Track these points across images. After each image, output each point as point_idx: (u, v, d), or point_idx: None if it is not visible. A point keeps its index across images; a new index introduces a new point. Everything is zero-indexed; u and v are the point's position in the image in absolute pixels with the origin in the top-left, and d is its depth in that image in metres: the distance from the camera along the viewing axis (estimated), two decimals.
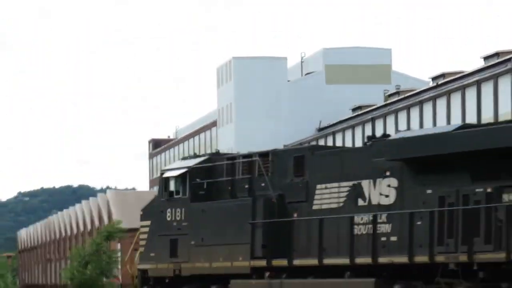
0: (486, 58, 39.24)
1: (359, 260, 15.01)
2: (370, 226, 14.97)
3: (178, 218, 19.09)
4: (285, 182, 17.00)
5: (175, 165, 20.81)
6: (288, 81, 53.49)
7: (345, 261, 15.24)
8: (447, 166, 14.14)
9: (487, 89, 37.09)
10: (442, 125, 30.17)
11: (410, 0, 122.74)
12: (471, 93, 38.13)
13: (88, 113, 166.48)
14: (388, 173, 15.02)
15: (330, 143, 44.59)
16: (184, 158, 20.87)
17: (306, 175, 16.63)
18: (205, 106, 63.13)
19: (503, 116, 33.50)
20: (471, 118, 35.86)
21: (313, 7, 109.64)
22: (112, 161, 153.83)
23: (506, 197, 13.39)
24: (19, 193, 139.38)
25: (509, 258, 12.99)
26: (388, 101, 45.07)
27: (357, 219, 15.30)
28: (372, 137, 16.52)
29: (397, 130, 37.78)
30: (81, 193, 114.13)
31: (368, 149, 15.86)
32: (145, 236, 20.31)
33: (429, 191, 14.27)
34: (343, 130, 46.12)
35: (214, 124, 58.13)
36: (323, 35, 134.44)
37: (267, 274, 16.71)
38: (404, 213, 14.52)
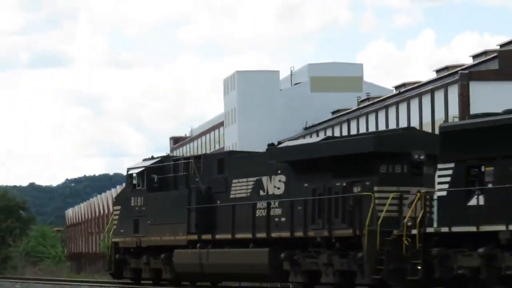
0: (438, 71, 45.46)
1: (259, 235, 20.21)
2: (267, 210, 20.18)
3: (139, 204, 24.82)
4: (212, 177, 22.28)
5: (138, 164, 26.21)
6: (281, 90, 62.69)
7: (249, 235, 20.47)
8: (316, 167, 19.21)
9: (439, 96, 42.09)
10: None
11: (378, 24, 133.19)
12: (426, 99, 43.12)
13: (121, 115, 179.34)
14: (279, 172, 20.15)
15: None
16: (145, 160, 26.23)
17: (226, 172, 21.85)
18: (214, 110, 74.01)
19: (451, 117, 37.32)
20: (426, 119, 41.15)
21: (299, 30, 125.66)
22: (141, 155, 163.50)
23: (355, 189, 18.25)
24: (67, 179, 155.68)
25: (355, 233, 18.07)
26: (360, 106, 51.79)
27: (258, 205, 20.46)
28: (271, 144, 21.70)
29: (366, 130, 43.42)
30: (115, 180, 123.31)
31: (266, 154, 21.13)
32: (116, 217, 26.12)
33: (305, 185, 19.24)
34: (324, 129, 53.21)
35: (221, 124, 67.16)
36: (309, 52, 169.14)
37: (198, 245, 21.89)
38: (289, 201, 19.64)
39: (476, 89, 39.56)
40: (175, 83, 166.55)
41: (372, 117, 47.66)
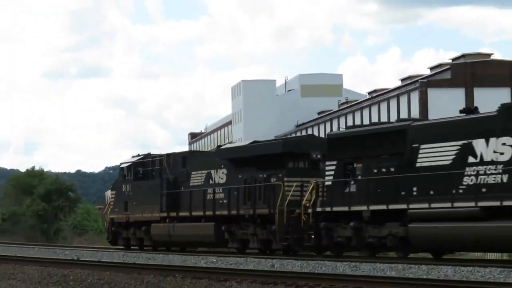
0: (402, 80, 53.52)
1: (208, 213, 26.47)
2: (213, 194, 26.63)
3: (128, 190, 31.47)
4: (177, 171, 28.79)
5: (127, 160, 32.65)
6: (277, 95, 73.14)
7: (201, 213, 26.89)
8: (247, 163, 25.42)
9: (403, 100, 49.23)
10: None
11: (355, 43, 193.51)
12: (393, 103, 50.25)
13: (149, 116, 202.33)
14: (222, 166, 26.54)
15: None
16: (133, 156, 32.47)
17: (187, 166, 28.38)
18: (224, 112, 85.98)
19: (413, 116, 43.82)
20: (393, 119, 47.61)
21: (292, 47, 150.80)
22: (165, 148, 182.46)
23: (272, 179, 24.24)
24: (106, 167, 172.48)
25: (270, 211, 23.63)
26: (340, 108, 60.39)
27: (208, 190, 26.76)
28: (219, 146, 28.50)
29: (338, 128, 50.14)
30: None
31: (215, 153, 28.09)
32: (112, 200, 32.97)
33: (240, 176, 25.48)
34: (312, 127, 61.05)
35: (230, 123, 78.05)
36: (299, 65, 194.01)
37: (167, 220, 28.41)
38: (228, 188, 25.85)
39: (433, 94, 46.55)
40: (193, 89, 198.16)
41: (350, 117, 55.06)
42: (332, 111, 60.18)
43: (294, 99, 70.64)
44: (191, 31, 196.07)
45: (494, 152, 17.79)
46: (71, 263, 22.68)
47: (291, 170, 24.66)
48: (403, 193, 19.92)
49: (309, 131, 58.71)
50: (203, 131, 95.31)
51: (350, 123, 54.22)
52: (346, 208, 21.42)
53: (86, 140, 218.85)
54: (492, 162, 17.90)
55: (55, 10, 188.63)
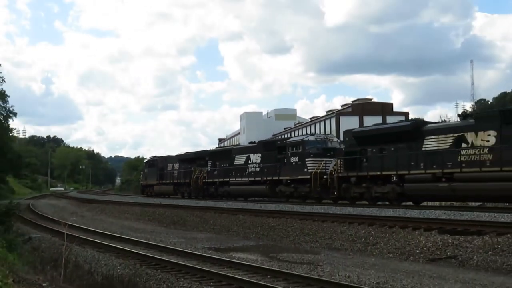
0: (327, 112, 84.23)
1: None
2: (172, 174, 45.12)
3: (146, 171, 60.86)
4: (163, 165, 55.47)
5: (147, 159, 63.40)
6: (263, 119, 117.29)
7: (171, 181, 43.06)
8: (189, 162, 48.75)
9: (328, 122, 75.05)
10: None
11: (302, 93, 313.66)
12: (322, 124, 76.79)
13: (199, 130, 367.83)
14: (177, 163, 52.73)
15: None
16: (150, 157, 62.68)
17: (158, 165, 54.14)
18: (236, 128, 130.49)
19: (332, 132, 67.72)
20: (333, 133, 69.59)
21: (271, 94, 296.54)
22: (206, 146, 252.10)
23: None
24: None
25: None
26: (295, 126, 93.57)
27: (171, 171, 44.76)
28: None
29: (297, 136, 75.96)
30: None
31: (174, 156, 54.00)
32: (142, 174, 61.97)
33: (189, 166, 45.34)
34: (281, 135, 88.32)
35: (239, 133, 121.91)
36: (274, 103, 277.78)
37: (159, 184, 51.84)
38: (182, 171, 47.57)
39: (342, 119, 71.06)
40: (220, 116, 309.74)
41: (300, 131, 77.59)
42: (291, 128, 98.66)
43: (272, 121, 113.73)
44: (219, 87, 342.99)
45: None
46: (156, 204, 38.86)
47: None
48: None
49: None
50: (225, 138, 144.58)
51: (300, 133, 76.86)
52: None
53: (165, 142, 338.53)
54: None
55: (152, 74, 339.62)
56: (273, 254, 16.79)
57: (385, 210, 24.06)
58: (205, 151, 50.08)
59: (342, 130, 42.78)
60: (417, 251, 15.78)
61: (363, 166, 29.83)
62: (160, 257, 14.52)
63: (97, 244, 18.06)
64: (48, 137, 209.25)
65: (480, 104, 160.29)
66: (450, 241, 15.77)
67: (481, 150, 23.95)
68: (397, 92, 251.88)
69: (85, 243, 18.14)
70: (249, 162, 40.28)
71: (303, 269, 12.94)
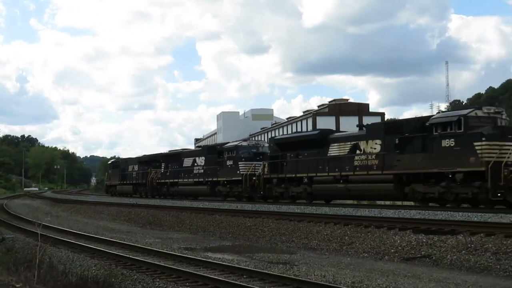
0: (304, 112, 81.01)
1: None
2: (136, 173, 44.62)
3: (111, 172, 63.33)
4: (125, 166, 56.63)
5: (111, 160, 65.43)
6: (240, 119, 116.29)
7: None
8: (146, 163, 50.85)
9: (304, 122, 74.16)
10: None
11: (280, 93, 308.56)
12: (299, 124, 75.91)
13: (177, 131, 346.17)
14: (138, 164, 52.64)
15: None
16: (112, 159, 65.17)
17: (121, 166, 55.03)
18: (213, 127, 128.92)
19: None
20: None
21: (248, 94, 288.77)
22: (184, 145, 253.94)
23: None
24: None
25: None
26: (272, 126, 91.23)
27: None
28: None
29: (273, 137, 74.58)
30: None
31: (138, 158, 54.81)
32: (106, 175, 62.71)
33: (146, 168, 49.07)
34: (256, 136, 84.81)
35: (215, 133, 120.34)
36: (251, 103, 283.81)
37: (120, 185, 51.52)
38: (145, 172, 48.96)
39: (319, 120, 70.99)
40: (197, 116, 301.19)
41: (277, 132, 77.59)
42: (268, 128, 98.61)
43: (248, 121, 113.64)
44: (196, 86, 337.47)
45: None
46: (132, 205, 38.73)
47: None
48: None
49: (258, 138, 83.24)
50: (202, 138, 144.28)
51: (276, 133, 76.92)
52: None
53: (142, 142, 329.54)
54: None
55: (128, 73, 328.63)
56: (249, 254, 16.79)
57: (361, 210, 24.24)
58: (160, 154, 54.00)
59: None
60: (392, 250, 15.91)
61: (283, 169, 34.28)
62: (135, 257, 14.43)
63: (71, 244, 17.89)
64: (23, 136, 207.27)
65: (455, 105, 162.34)
66: (424, 240, 15.92)
67: (369, 156, 28.27)
68: (373, 93, 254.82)
69: (60, 243, 17.95)
70: (195, 164, 45.05)
71: (279, 269, 12.96)
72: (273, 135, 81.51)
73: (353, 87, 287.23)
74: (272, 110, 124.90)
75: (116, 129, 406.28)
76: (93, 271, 12.99)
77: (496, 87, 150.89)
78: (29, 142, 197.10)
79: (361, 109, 78.92)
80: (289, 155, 34.17)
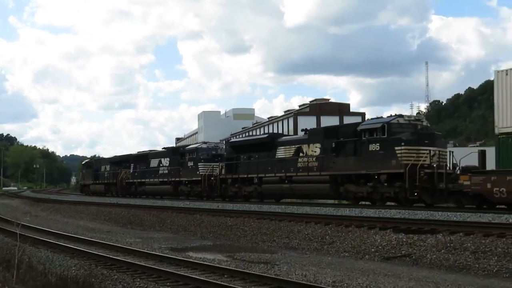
0: (285, 111, 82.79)
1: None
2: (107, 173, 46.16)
3: (84, 172, 63.13)
4: (97, 166, 57.80)
5: (84, 161, 66.02)
6: (221, 119, 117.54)
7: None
8: (117, 164, 51.87)
9: (286, 122, 74.06)
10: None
11: (261, 93, 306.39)
12: (281, 123, 74.39)
13: (157, 130, 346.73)
14: (109, 165, 53.49)
15: None
16: (86, 160, 66.14)
17: (94, 166, 55.75)
18: (194, 127, 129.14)
19: (291, 131, 67.91)
20: (291, 132, 70.23)
21: (230, 94, 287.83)
22: (164, 144, 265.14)
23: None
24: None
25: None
26: (253, 126, 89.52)
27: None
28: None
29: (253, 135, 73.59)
30: None
31: (108, 158, 56.78)
32: (81, 175, 64.79)
33: (117, 168, 49.48)
34: (237, 135, 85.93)
35: (196, 132, 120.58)
36: (233, 102, 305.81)
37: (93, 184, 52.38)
38: (116, 172, 46.21)
39: (300, 119, 71.82)
40: (179, 115, 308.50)
41: (258, 131, 77.65)
42: (249, 127, 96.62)
43: (230, 121, 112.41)
44: (178, 85, 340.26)
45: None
46: (113, 204, 38.56)
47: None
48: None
49: (239, 137, 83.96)
50: (183, 137, 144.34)
51: (257, 133, 77.02)
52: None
53: (122, 141, 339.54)
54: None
55: (109, 72, 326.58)
56: (230, 254, 16.79)
57: (342, 210, 24.33)
58: (130, 155, 55.91)
59: (299, 129, 44.35)
60: (373, 249, 16.00)
61: (237, 170, 36.29)
62: (116, 257, 14.35)
63: (51, 244, 17.74)
64: (1, 135, 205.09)
65: (435, 105, 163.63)
66: (404, 240, 16.03)
67: (310, 159, 30.40)
68: (354, 93, 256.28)
69: (39, 243, 17.78)
70: (161, 165, 47.43)
71: (260, 268, 12.98)
72: (254, 134, 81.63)
73: (334, 87, 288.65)
74: (254, 109, 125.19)
75: (97, 128, 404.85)
76: (73, 271, 12.90)
77: (475, 88, 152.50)
78: (8, 141, 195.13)
79: (342, 109, 79.45)
80: (243, 157, 36.41)
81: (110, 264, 13.64)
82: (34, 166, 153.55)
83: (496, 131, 25.08)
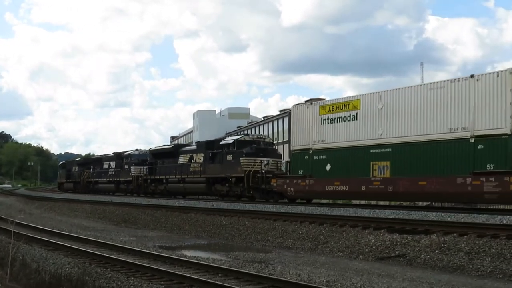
0: (280, 111, 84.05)
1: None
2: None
3: (61, 172, 73.26)
4: (72, 166, 62.48)
5: (61, 162, 74.80)
6: (216, 118, 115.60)
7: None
8: (83, 165, 58.85)
9: (281, 122, 73.61)
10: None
11: (257, 92, 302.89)
12: (275, 123, 75.02)
13: (152, 128, 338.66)
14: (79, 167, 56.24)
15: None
16: (62, 161, 72.97)
17: (67, 167, 60.91)
18: (189, 125, 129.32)
19: (286, 131, 67.57)
20: (275, 132, 69.95)
21: (225, 93, 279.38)
22: (160, 142, 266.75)
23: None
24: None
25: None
26: (248, 125, 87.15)
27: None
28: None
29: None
30: None
31: (77, 161, 61.82)
32: (58, 175, 73.24)
33: (81, 169, 52.11)
34: (233, 134, 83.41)
35: (191, 131, 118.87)
36: (228, 102, 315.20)
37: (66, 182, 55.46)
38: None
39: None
40: (174, 114, 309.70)
41: (253, 130, 77.23)
42: (244, 126, 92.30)
43: (225, 120, 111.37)
44: (173, 84, 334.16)
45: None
46: (107, 202, 38.70)
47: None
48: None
49: (236, 137, 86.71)
50: (178, 136, 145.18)
51: (253, 132, 77.00)
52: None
53: (117, 139, 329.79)
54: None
55: (105, 70, 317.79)
56: (224, 253, 16.80)
57: (336, 210, 24.34)
58: (91, 158, 70.09)
59: None
60: (367, 249, 16.03)
61: (155, 172, 47.24)
62: (110, 256, 14.34)
63: (45, 242, 17.71)
64: None
65: None
66: (398, 240, 16.06)
67: (196, 165, 40.32)
68: (350, 93, 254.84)
69: (33, 241, 17.74)
70: (110, 167, 57.48)
71: (254, 267, 12.99)
72: (249, 133, 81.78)
73: (330, 87, 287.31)
74: (249, 109, 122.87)
75: (92, 126, 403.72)
76: (67, 269, 12.88)
77: None
78: (3, 138, 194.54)
79: None
80: (159, 162, 47.15)
81: (104, 263, 13.63)
82: (29, 164, 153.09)
83: (291, 148, 32.24)
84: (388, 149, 25.60)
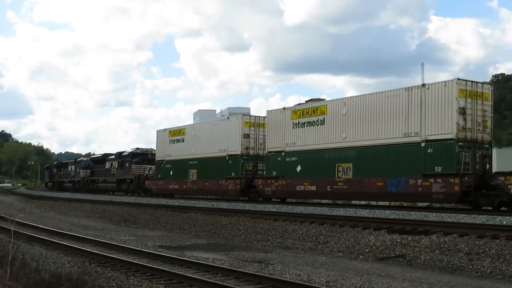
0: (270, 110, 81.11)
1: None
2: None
3: (49, 173, 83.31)
4: (54, 168, 67.26)
5: (49, 163, 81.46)
6: (216, 118, 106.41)
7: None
8: (66, 167, 62.44)
9: None
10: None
11: (258, 92, 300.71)
12: None
13: (150, 126, 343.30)
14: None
15: None
16: (50, 163, 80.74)
17: (50, 169, 69.34)
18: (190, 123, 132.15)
19: None
20: None
21: (226, 92, 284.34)
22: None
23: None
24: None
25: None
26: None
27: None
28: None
29: None
30: None
31: (74, 161, 63.03)
32: (45, 175, 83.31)
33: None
34: None
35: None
36: (229, 101, 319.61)
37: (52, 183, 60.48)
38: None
39: None
40: (175, 113, 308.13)
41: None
42: None
43: (224, 121, 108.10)
44: (174, 83, 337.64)
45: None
46: (107, 202, 38.73)
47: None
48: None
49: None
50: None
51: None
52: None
53: (118, 139, 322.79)
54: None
55: (106, 70, 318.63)
56: (224, 253, 16.79)
57: (336, 210, 24.37)
58: (61, 162, 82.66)
59: None
60: (367, 250, 16.03)
61: (94, 175, 61.03)
62: (110, 255, 14.35)
63: (45, 241, 17.72)
64: None
65: None
66: (398, 240, 16.07)
67: (113, 169, 54.92)
68: (352, 93, 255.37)
69: (33, 240, 17.75)
70: (71, 170, 69.84)
71: (254, 267, 12.99)
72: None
73: (331, 87, 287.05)
74: (249, 108, 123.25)
75: (92, 125, 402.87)
76: (67, 268, 12.88)
77: None
78: (3, 137, 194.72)
79: None
80: (96, 166, 61.10)
81: (104, 262, 13.63)
82: (29, 163, 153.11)
83: (266, 150, 33.74)
84: (351, 152, 27.43)
